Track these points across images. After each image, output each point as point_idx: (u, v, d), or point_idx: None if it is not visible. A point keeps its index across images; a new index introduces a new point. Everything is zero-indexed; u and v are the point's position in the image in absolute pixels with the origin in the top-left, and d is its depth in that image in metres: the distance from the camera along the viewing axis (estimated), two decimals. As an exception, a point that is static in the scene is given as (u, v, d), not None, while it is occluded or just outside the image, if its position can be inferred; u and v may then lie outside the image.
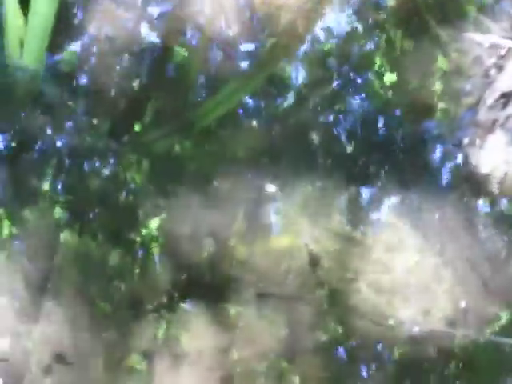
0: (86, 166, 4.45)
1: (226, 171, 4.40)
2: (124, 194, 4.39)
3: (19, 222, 4.34)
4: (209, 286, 4.26)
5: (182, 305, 4.23)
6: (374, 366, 4.15)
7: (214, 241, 4.29)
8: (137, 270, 4.28)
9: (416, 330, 4.19)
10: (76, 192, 4.42)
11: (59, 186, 4.42)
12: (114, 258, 4.30)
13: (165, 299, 4.23)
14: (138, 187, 4.39)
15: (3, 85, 4.45)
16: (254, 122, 4.51)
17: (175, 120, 4.53)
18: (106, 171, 4.45)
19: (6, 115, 4.51)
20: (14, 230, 4.34)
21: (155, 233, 4.30)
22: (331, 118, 4.52)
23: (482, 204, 4.37)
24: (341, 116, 4.52)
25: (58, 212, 4.37)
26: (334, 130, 4.49)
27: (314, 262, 4.26)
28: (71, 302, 4.24)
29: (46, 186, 4.42)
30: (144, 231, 4.33)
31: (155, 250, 4.29)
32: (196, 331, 4.19)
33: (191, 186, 4.37)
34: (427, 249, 4.28)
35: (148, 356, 4.15)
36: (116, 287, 4.24)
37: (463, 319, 4.21)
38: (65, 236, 4.35)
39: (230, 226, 4.32)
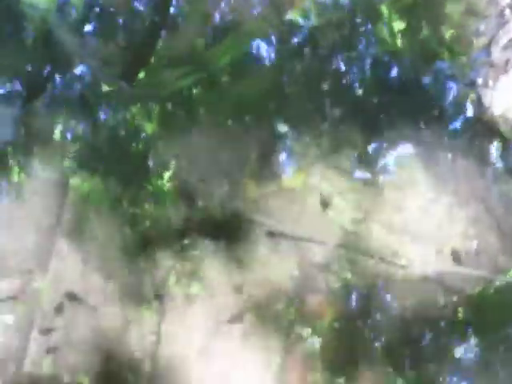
0: (97, 112, 4.43)
1: (238, 113, 4.36)
2: (135, 142, 4.37)
3: (28, 167, 4.32)
4: (221, 225, 4.23)
5: (195, 245, 4.20)
6: (384, 307, 4.14)
7: (226, 181, 4.26)
8: (148, 214, 4.27)
9: (428, 270, 4.16)
10: (87, 138, 4.39)
11: (70, 132, 4.40)
12: (126, 201, 4.29)
13: (177, 239, 4.21)
14: (150, 135, 4.36)
15: (15, 20, 4.42)
16: (266, 65, 4.46)
17: (187, 63, 4.48)
18: (116, 117, 4.42)
19: (18, 58, 4.47)
20: (23, 176, 4.32)
21: (168, 174, 4.28)
22: (343, 62, 4.48)
23: (494, 145, 4.32)
24: (352, 60, 4.47)
25: (69, 156, 4.35)
26: (346, 73, 4.44)
27: (326, 201, 4.23)
28: (83, 242, 4.23)
29: (57, 131, 4.40)
30: (156, 175, 4.31)
31: (168, 191, 4.27)
32: (208, 270, 4.18)
33: (203, 129, 4.34)
34: (440, 189, 4.24)
35: (159, 296, 4.14)
36: (128, 229, 4.23)
37: (475, 260, 4.18)
38: (75, 181, 4.34)
39: (243, 167, 4.28)
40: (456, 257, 4.17)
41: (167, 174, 4.32)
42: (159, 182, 4.30)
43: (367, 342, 4.14)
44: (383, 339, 4.13)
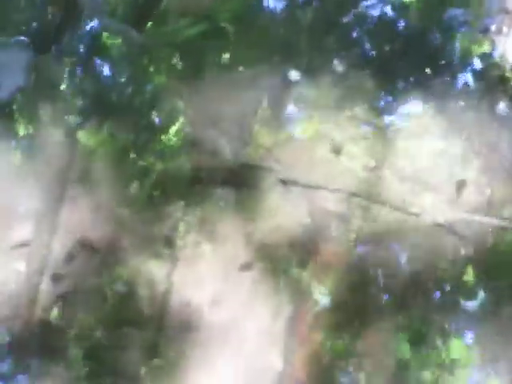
0: (103, 65, 4.38)
1: (250, 59, 4.30)
2: (143, 93, 4.32)
3: (35, 120, 4.28)
4: (232, 173, 4.19)
5: (205, 193, 4.17)
6: (395, 256, 4.12)
7: (238, 128, 4.21)
8: (157, 165, 4.24)
9: (440, 218, 4.14)
10: (94, 90, 4.35)
11: (77, 85, 4.35)
12: (133, 154, 4.25)
13: (187, 188, 4.18)
14: (158, 85, 4.31)
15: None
16: (275, 14, 4.40)
17: (194, 13, 4.42)
18: (124, 69, 4.37)
19: (30, 9, 4.41)
20: (31, 129, 4.29)
21: (177, 125, 4.24)
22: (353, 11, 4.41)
23: (508, 93, 4.27)
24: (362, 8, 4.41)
25: (75, 109, 4.31)
26: (357, 22, 4.38)
27: (337, 149, 4.19)
28: (95, 190, 4.20)
29: (64, 84, 4.35)
30: (164, 126, 4.26)
31: (178, 139, 4.23)
32: (218, 219, 4.15)
33: (214, 74, 4.29)
34: (453, 137, 4.20)
35: (170, 244, 4.12)
36: (137, 181, 4.20)
37: (488, 208, 4.15)
38: (83, 135, 4.30)
39: (254, 114, 4.24)
40: (468, 205, 4.14)
41: (175, 126, 4.28)
42: (167, 135, 4.26)
43: (377, 292, 4.13)
44: (393, 289, 4.11)
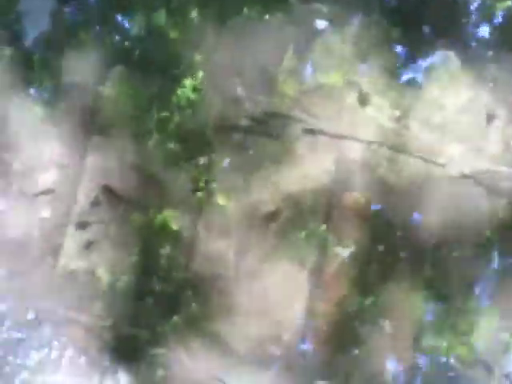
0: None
1: (275, 8, 4.24)
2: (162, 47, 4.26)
3: (58, 70, 4.24)
4: (257, 121, 4.16)
5: (230, 141, 4.14)
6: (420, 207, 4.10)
7: (262, 78, 4.17)
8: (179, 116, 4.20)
9: (466, 168, 4.10)
10: (114, 44, 4.30)
11: (98, 39, 4.30)
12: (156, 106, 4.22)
13: (212, 136, 4.15)
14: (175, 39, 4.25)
15: None
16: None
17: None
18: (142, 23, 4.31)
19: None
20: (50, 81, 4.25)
21: (198, 78, 4.19)
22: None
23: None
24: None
25: (97, 60, 4.26)
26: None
27: (364, 99, 4.15)
28: (118, 138, 4.17)
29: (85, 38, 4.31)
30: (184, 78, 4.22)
31: (197, 92, 4.19)
32: (244, 167, 4.13)
33: (238, 24, 4.22)
34: (480, 87, 4.15)
35: (196, 193, 4.10)
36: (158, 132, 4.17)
37: (513, 158, 4.12)
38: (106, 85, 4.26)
39: (280, 62, 4.19)
40: (495, 155, 4.10)
41: (194, 79, 4.23)
42: (186, 88, 4.22)
43: (400, 244, 4.12)
44: (416, 242, 4.10)
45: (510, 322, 3.97)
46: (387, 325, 4.03)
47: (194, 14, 4.27)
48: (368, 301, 4.05)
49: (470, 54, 4.23)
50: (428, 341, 3.97)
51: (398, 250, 4.10)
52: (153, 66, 4.24)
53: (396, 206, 4.13)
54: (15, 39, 4.21)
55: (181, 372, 3.96)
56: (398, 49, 4.21)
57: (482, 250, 4.07)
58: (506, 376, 3.93)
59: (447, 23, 4.25)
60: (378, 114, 4.14)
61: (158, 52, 4.24)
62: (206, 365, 3.97)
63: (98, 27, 4.31)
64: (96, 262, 4.07)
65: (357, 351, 3.97)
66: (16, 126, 4.19)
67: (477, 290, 4.02)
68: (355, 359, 3.99)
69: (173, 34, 4.26)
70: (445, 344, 3.97)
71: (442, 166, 4.10)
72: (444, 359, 3.97)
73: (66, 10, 4.31)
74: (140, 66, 4.21)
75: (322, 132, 4.14)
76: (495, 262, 4.06)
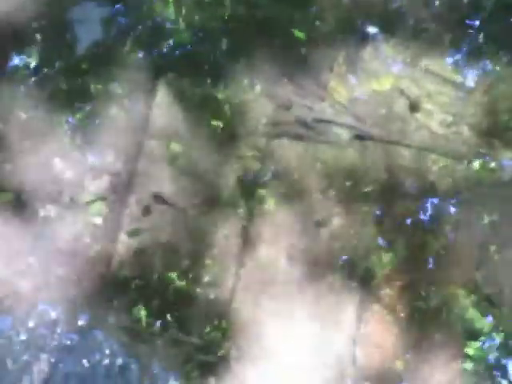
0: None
1: (327, 16, 4.20)
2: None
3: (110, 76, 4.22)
4: (308, 127, 4.09)
5: (281, 146, 4.08)
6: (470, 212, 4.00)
7: (314, 84, 4.11)
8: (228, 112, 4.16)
9: (518, 173, 4.01)
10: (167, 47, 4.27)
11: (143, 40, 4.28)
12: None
13: (261, 137, 4.09)
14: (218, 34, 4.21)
15: None
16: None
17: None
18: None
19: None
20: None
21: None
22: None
23: None
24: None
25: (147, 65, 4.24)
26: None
27: (415, 105, 4.08)
28: (171, 143, 4.12)
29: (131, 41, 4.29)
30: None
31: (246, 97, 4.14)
32: (296, 172, 4.05)
33: (290, 32, 4.18)
34: (531, 92, 4.07)
35: (247, 197, 4.03)
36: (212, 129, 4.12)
37: None
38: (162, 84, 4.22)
39: (331, 70, 4.13)
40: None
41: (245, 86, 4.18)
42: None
43: (445, 251, 4.01)
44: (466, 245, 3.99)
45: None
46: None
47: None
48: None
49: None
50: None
51: (443, 256, 4.00)
52: (203, 72, 4.19)
53: (443, 211, 4.03)
54: (68, 47, 4.20)
55: (232, 380, 3.86)
56: (449, 54, 4.14)
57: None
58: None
59: (499, 28, 4.18)
60: (429, 120, 4.07)
61: (209, 58, 4.20)
62: (256, 373, 3.86)
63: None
64: (147, 268, 3.99)
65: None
66: (67, 133, 4.16)
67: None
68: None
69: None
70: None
71: (493, 171, 4.01)
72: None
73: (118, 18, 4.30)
74: (190, 72, 4.17)
75: (372, 138, 4.06)
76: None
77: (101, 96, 4.20)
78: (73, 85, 4.19)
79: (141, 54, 4.24)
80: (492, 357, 3.84)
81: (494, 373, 3.83)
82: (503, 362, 3.84)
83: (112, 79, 4.20)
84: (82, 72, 4.23)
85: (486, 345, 3.85)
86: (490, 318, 3.91)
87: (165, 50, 4.24)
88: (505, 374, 3.83)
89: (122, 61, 4.25)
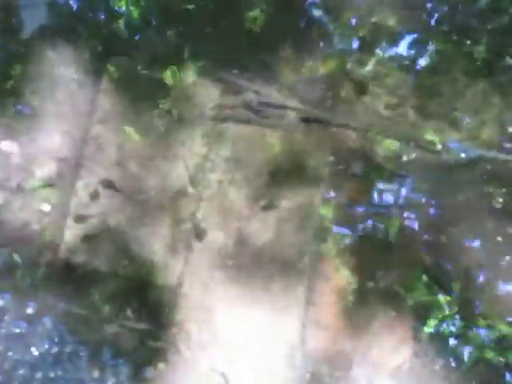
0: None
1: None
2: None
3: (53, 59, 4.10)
4: (254, 111, 4.03)
5: (228, 130, 4.02)
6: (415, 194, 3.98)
7: (261, 68, 4.04)
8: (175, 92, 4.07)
9: (463, 155, 3.99)
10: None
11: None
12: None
13: (210, 122, 4.02)
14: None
15: None
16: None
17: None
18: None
19: None
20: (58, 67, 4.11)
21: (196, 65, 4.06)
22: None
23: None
24: None
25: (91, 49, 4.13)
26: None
27: (361, 88, 4.03)
28: (119, 129, 4.04)
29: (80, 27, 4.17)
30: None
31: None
32: (240, 156, 4.00)
33: (234, 17, 4.10)
34: (474, 75, 4.04)
35: (195, 182, 3.97)
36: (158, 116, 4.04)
37: (510, 144, 4.00)
38: (110, 68, 4.12)
39: (277, 52, 4.06)
40: (491, 141, 3.99)
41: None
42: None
43: (399, 231, 4.00)
44: (414, 227, 3.98)
45: None
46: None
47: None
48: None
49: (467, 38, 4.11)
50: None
51: (398, 235, 3.99)
52: (151, 56, 4.10)
53: (394, 192, 4.01)
54: (13, 32, 4.08)
55: (181, 365, 3.83)
56: (396, 36, 4.09)
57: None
58: None
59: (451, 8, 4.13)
60: (375, 102, 4.03)
61: (157, 42, 4.11)
62: (206, 358, 3.84)
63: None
64: (95, 255, 3.94)
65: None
66: (14, 118, 4.06)
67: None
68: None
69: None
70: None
71: (438, 153, 3.99)
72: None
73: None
74: (138, 55, 4.08)
75: (318, 120, 4.02)
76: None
77: (48, 80, 4.10)
78: (20, 70, 4.09)
79: (89, 37, 4.14)
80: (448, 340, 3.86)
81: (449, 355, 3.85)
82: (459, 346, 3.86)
83: (58, 63, 4.10)
84: (27, 56, 4.12)
85: (443, 326, 3.87)
86: (441, 299, 3.91)
87: (114, 32, 4.14)
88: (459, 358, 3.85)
89: (69, 44, 4.14)
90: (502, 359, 3.83)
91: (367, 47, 4.03)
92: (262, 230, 3.96)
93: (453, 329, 3.84)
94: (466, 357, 3.83)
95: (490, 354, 3.83)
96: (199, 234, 3.95)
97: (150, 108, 4.03)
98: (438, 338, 3.85)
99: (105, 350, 3.85)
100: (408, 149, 3.98)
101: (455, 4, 4.06)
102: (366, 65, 4.02)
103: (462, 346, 3.83)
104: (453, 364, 3.82)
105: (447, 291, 3.90)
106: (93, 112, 4.03)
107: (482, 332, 3.84)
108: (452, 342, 3.84)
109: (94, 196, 3.98)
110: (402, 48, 4.05)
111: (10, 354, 3.82)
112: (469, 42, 4.02)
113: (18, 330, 3.85)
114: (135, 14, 4.11)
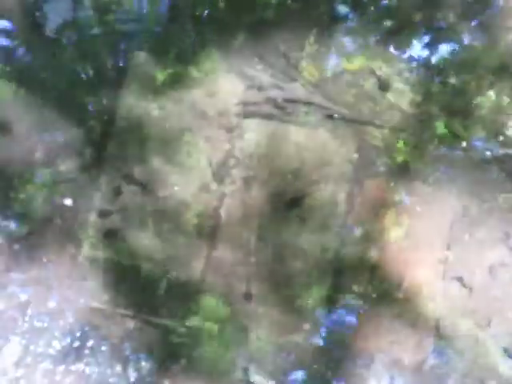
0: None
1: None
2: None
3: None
4: (279, 107, 3.94)
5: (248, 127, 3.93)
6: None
7: (284, 64, 3.95)
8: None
9: (488, 153, 3.89)
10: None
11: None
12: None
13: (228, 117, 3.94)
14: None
15: None
16: None
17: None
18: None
19: None
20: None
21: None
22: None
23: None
24: None
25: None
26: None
27: (385, 85, 3.93)
28: (138, 124, 3.95)
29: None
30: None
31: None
32: (264, 153, 3.91)
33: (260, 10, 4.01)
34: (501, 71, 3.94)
35: (219, 178, 3.88)
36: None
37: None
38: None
39: (302, 48, 3.97)
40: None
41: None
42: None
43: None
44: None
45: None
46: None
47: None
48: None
49: (495, 39, 4.02)
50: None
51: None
52: (173, 52, 3.99)
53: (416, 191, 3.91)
54: (37, 27, 3.99)
55: (203, 360, 3.74)
56: (420, 32, 3.98)
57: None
58: None
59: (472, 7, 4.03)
60: (399, 99, 3.93)
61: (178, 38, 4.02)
62: (227, 353, 3.74)
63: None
64: (118, 250, 3.85)
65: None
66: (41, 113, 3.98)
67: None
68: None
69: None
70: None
71: (464, 150, 3.89)
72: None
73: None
74: (162, 49, 3.99)
75: (343, 118, 3.92)
76: None
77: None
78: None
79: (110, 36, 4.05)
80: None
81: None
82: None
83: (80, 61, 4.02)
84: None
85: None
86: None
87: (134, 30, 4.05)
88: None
89: (91, 43, 4.05)
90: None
91: (392, 43, 3.93)
92: (284, 227, 3.86)
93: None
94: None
95: None
96: (222, 229, 3.85)
97: (173, 103, 3.95)
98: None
99: (127, 345, 3.76)
100: (432, 147, 3.88)
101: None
102: (390, 62, 3.93)
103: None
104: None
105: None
106: (115, 107, 3.95)
107: None
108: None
109: (117, 191, 3.89)
110: (427, 44, 3.95)
111: (32, 348, 3.73)
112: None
113: (40, 325, 3.76)
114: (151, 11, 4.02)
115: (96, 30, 3.98)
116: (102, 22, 3.97)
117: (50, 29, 3.95)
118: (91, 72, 3.95)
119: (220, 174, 3.90)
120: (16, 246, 3.83)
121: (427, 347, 3.74)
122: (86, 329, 3.77)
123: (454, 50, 3.95)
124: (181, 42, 3.94)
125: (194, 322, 3.76)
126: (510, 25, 4.00)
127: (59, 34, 3.95)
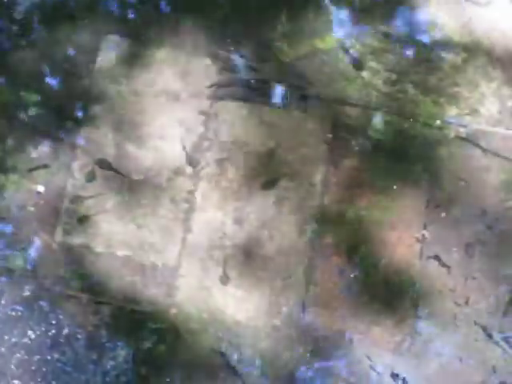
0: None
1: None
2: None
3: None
4: (252, 89, 3.82)
5: (224, 110, 3.81)
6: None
7: (256, 43, 3.82)
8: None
9: (463, 130, 3.79)
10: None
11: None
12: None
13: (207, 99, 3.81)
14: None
15: None
16: None
17: None
18: None
19: None
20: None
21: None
22: None
23: None
24: None
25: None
26: None
27: (359, 63, 3.82)
28: (115, 108, 3.82)
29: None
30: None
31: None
32: (238, 135, 3.79)
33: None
34: (475, 47, 3.84)
35: (193, 162, 3.75)
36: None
37: (509, 118, 3.81)
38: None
39: (274, 28, 3.84)
40: (491, 116, 3.79)
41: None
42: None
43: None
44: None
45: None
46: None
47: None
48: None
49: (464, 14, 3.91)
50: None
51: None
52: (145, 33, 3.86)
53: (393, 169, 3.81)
54: (6, 9, 3.84)
55: (181, 346, 3.62)
56: (393, 10, 3.87)
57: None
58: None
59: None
60: (374, 78, 3.81)
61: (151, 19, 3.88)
62: (206, 338, 3.63)
63: None
64: (92, 236, 3.71)
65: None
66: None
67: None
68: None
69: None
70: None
71: (439, 128, 3.79)
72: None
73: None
74: (134, 34, 3.85)
75: (317, 98, 3.80)
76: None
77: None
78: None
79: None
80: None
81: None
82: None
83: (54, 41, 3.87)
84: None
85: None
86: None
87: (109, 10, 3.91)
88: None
89: (63, 23, 3.91)
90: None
91: (365, 22, 3.82)
92: (260, 209, 3.74)
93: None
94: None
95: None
96: (197, 213, 3.73)
97: (147, 85, 3.81)
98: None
99: (103, 332, 3.63)
100: (407, 125, 3.77)
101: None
102: (364, 40, 3.81)
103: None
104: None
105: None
106: (88, 91, 3.81)
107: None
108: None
109: (91, 177, 3.75)
110: (401, 22, 3.84)
111: (6, 337, 3.59)
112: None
113: (14, 313, 3.63)
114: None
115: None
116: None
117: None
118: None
119: (194, 157, 3.77)
120: (-12, 235, 3.70)
121: (406, 327, 3.64)
122: (61, 317, 3.64)
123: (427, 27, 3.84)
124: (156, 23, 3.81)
125: (171, 307, 3.64)
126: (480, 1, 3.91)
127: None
